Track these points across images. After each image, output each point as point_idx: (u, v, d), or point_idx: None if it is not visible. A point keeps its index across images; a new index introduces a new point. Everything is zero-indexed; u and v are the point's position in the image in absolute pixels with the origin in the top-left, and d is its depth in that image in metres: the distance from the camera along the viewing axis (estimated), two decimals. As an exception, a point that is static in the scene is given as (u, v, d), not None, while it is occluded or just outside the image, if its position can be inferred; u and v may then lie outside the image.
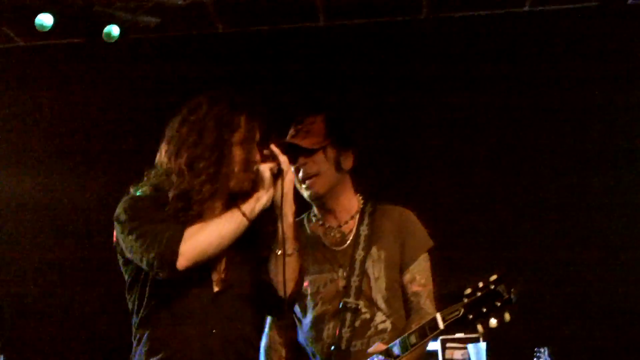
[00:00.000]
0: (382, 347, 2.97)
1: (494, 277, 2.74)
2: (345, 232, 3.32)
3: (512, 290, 2.69)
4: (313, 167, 3.25)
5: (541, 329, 4.93)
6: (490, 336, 4.90)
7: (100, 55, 5.09)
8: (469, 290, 2.77)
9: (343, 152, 3.31)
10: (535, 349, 4.65)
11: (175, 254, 2.68)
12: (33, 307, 5.44)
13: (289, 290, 2.83)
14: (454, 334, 4.85)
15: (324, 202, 3.32)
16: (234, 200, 2.87)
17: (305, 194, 3.28)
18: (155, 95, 5.10)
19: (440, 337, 4.89)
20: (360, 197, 3.41)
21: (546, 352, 4.66)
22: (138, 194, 2.88)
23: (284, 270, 2.80)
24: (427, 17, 5.35)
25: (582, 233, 5.12)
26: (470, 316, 2.73)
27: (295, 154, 3.21)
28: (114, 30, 4.63)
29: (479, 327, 2.71)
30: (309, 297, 3.26)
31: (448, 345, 4.91)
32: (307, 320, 3.27)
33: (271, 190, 2.82)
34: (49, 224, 5.52)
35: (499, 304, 2.68)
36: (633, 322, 4.98)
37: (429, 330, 2.84)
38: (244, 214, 2.78)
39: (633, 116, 5.18)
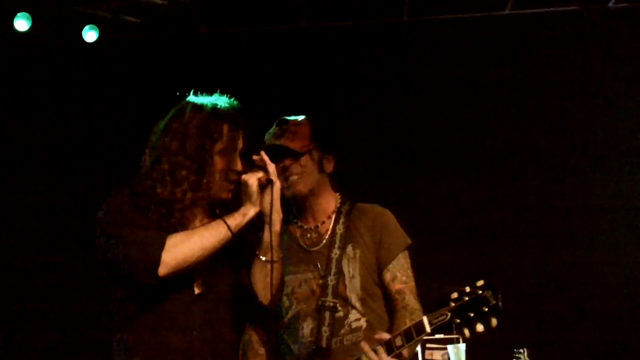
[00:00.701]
0: (387, 336, 2.91)
1: (480, 283, 2.74)
2: (321, 232, 3.34)
3: (499, 296, 2.69)
4: (298, 168, 3.27)
5: (520, 331, 4.95)
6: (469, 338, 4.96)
7: (85, 55, 5.05)
8: (455, 295, 2.76)
9: (326, 155, 3.35)
10: (515, 350, 4.70)
11: (156, 262, 2.67)
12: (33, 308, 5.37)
13: (269, 296, 2.86)
14: (434, 335, 4.89)
15: (303, 202, 3.34)
16: (214, 208, 2.89)
17: (288, 192, 3.28)
18: (139, 96, 5.05)
19: (420, 338, 4.94)
20: (339, 197, 3.42)
21: (525, 353, 4.71)
22: (123, 195, 2.86)
23: (272, 277, 2.82)
24: (409, 19, 5.36)
25: (562, 234, 5.17)
26: (458, 320, 2.73)
27: (281, 155, 3.23)
28: (91, 32, 4.58)
29: (466, 332, 2.70)
30: (285, 298, 3.27)
31: (428, 345, 4.95)
32: (284, 320, 3.29)
33: (258, 203, 2.82)
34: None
35: (486, 309, 2.68)
36: (612, 323, 5.04)
37: (416, 333, 2.84)
38: (229, 228, 2.77)
39: (613, 117, 5.21)
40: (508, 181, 5.26)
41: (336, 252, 3.25)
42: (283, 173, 3.25)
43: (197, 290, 2.84)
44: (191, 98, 2.97)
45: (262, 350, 3.32)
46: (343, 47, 5.41)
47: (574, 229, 5.20)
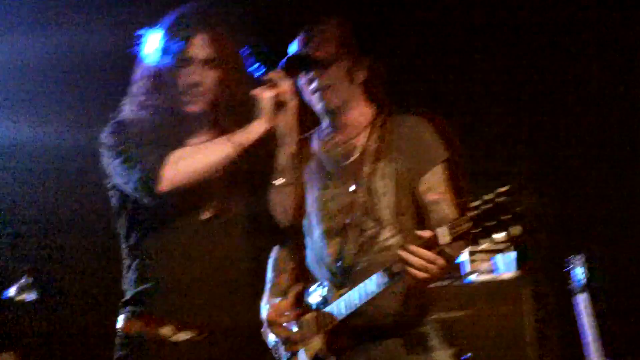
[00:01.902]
0: (429, 233, 2.72)
1: (503, 190, 2.55)
2: (353, 146, 3.15)
3: (521, 202, 2.50)
4: (326, 80, 3.06)
5: (572, 238, 4.74)
6: (520, 245, 4.79)
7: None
8: (476, 202, 2.59)
9: (357, 62, 3.12)
10: (571, 256, 4.53)
11: (156, 178, 2.61)
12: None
13: (290, 219, 2.80)
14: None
15: (334, 115, 3.15)
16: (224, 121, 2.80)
17: (318, 105, 3.11)
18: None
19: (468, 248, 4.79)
20: (375, 108, 3.21)
21: (582, 259, 4.52)
22: (121, 119, 2.82)
23: (290, 198, 2.79)
24: None
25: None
26: (478, 229, 2.56)
27: (306, 64, 3.05)
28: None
29: (485, 242, 2.55)
30: (313, 214, 3.14)
31: (474, 257, 4.79)
32: (313, 238, 3.16)
33: (271, 120, 2.71)
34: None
35: (508, 216, 2.51)
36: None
37: (432, 245, 2.67)
38: (233, 144, 2.67)
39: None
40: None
41: (367, 167, 3.08)
42: (308, 85, 3.08)
43: (204, 215, 2.76)
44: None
45: (290, 266, 3.22)
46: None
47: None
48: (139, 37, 2.87)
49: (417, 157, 3.07)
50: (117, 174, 2.72)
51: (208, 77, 2.77)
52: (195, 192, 2.73)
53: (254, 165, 2.86)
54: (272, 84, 2.75)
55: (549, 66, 5.02)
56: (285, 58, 3.00)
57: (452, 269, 2.86)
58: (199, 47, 2.76)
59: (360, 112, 3.16)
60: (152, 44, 2.79)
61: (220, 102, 2.83)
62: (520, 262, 4.72)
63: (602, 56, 4.95)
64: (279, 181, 2.76)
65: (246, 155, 2.75)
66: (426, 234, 2.69)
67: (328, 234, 3.10)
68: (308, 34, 3.11)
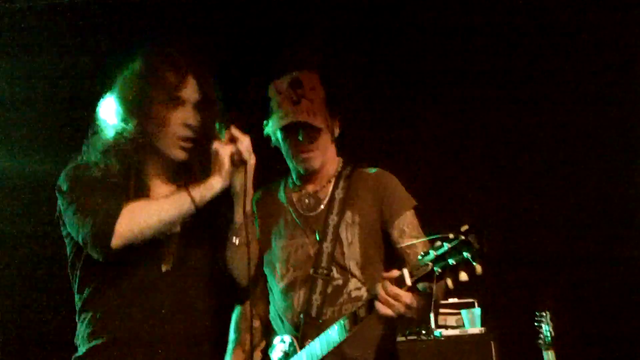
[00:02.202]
0: (396, 272, 2.69)
1: (464, 228, 2.55)
2: (320, 197, 3.16)
3: (483, 240, 2.48)
4: (316, 144, 3.08)
5: (537, 293, 4.72)
6: (485, 302, 4.78)
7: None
8: (438, 243, 2.59)
9: (335, 120, 3.16)
10: (537, 313, 4.52)
11: (109, 232, 2.51)
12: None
13: (247, 276, 2.75)
14: (447, 299, 4.72)
15: (313, 172, 3.17)
16: (178, 176, 2.72)
17: (300, 166, 3.13)
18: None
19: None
20: (341, 161, 3.25)
21: (548, 316, 4.52)
22: (81, 162, 2.72)
23: (249, 258, 2.69)
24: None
25: (577, 188, 4.91)
26: (439, 270, 2.55)
27: (297, 128, 3.04)
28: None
29: (449, 282, 2.52)
30: (279, 265, 3.11)
31: (441, 311, 4.80)
32: (278, 288, 3.11)
33: (228, 178, 2.66)
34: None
35: (469, 255, 2.49)
36: (633, 282, 4.78)
37: (397, 286, 2.64)
38: (192, 200, 2.61)
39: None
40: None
41: (334, 217, 3.07)
42: (296, 147, 3.07)
43: (165, 267, 2.68)
44: (140, 43, 2.81)
45: (256, 323, 3.16)
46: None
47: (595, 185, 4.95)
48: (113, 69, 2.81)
49: (386, 205, 3.07)
50: (69, 223, 2.63)
51: (197, 121, 2.72)
52: (153, 244, 2.65)
53: (212, 219, 2.81)
54: (232, 140, 2.71)
55: (504, 115, 5.05)
56: (286, 124, 3.00)
57: (423, 314, 2.78)
58: (192, 89, 2.73)
59: (330, 165, 3.19)
60: (132, 80, 2.72)
61: (199, 148, 2.76)
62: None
63: (558, 109, 5.00)
64: (234, 239, 2.72)
65: (205, 210, 2.69)
66: (394, 273, 2.67)
67: (294, 284, 3.07)
68: (297, 92, 3.07)
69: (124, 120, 2.66)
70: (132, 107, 2.65)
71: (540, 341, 4.52)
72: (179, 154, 2.71)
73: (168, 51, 2.72)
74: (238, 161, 2.67)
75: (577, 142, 5.00)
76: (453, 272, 2.52)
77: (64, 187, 2.64)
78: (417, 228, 3.05)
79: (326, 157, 3.14)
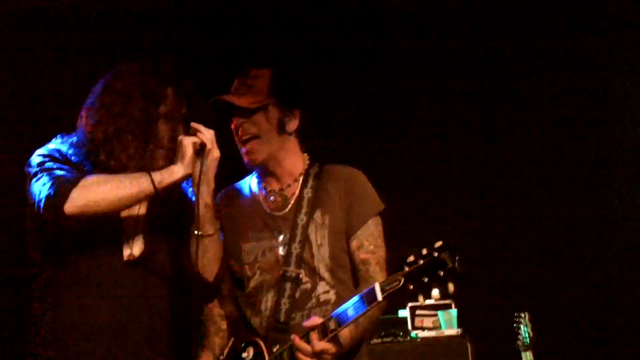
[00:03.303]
0: (319, 320, 2.70)
1: (438, 244, 2.47)
2: (287, 196, 3.05)
3: (457, 258, 2.41)
4: (251, 129, 2.97)
5: (512, 295, 4.70)
6: (462, 303, 4.74)
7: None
8: (411, 258, 2.51)
9: (288, 112, 3.03)
10: (515, 314, 4.51)
11: (64, 197, 2.51)
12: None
13: (212, 272, 2.73)
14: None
15: (264, 167, 3.06)
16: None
17: (245, 159, 3.02)
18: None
19: (409, 305, 4.73)
20: (307, 158, 3.13)
21: (527, 317, 4.51)
22: (52, 145, 2.75)
23: (204, 250, 2.69)
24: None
25: (544, 197, 4.89)
26: (411, 286, 2.47)
27: (233, 112, 2.96)
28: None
29: (420, 299, 2.45)
30: (246, 267, 3.01)
31: (418, 312, 4.76)
32: (246, 291, 3.03)
33: (190, 167, 2.66)
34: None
35: (442, 273, 2.42)
36: (614, 286, 4.77)
37: (367, 302, 2.58)
38: (152, 182, 2.59)
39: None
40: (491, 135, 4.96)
41: (302, 217, 2.97)
42: (237, 135, 2.99)
43: (126, 256, 2.66)
44: (134, 57, 2.82)
45: (224, 325, 3.08)
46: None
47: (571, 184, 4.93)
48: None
49: (351, 209, 2.99)
50: (30, 193, 2.61)
51: (178, 132, 2.75)
52: (116, 232, 2.65)
53: (180, 213, 2.79)
54: (194, 131, 2.71)
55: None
56: (211, 101, 2.94)
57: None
58: (176, 102, 2.76)
59: (293, 162, 3.08)
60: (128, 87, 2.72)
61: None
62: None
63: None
64: (195, 232, 2.68)
65: (170, 203, 2.69)
66: (316, 321, 2.68)
67: (262, 287, 2.98)
68: (241, 79, 3.03)
69: (117, 133, 2.68)
70: (132, 123, 2.68)
71: (518, 342, 4.51)
72: (161, 163, 2.72)
73: (168, 68, 2.78)
74: (201, 151, 2.68)
75: (552, 147, 4.98)
76: (425, 289, 2.44)
77: (32, 163, 2.66)
78: (377, 239, 2.99)
79: (273, 149, 3.00)
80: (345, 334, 2.70)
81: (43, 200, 2.53)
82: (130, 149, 2.66)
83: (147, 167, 2.65)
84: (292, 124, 3.04)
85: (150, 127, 2.69)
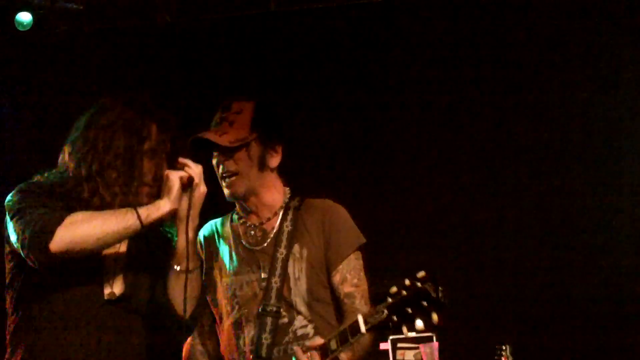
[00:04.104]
0: (301, 354, 2.68)
1: (421, 275, 2.46)
2: (266, 230, 3.04)
3: (440, 289, 2.41)
4: (232, 166, 2.97)
5: (494, 328, 4.70)
6: (443, 336, 4.74)
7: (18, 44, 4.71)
8: (394, 290, 2.49)
9: (269, 149, 3.03)
10: (497, 347, 4.49)
11: (50, 234, 2.46)
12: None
13: (191, 308, 2.67)
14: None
15: (244, 201, 3.05)
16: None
17: (225, 192, 3.02)
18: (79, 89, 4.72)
19: (390, 337, 4.71)
20: (288, 191, 3.13)
21: (508, 350, 4.49)
22: (34, 180, 2.71)
23: (186, 287, 2.63)
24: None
25: (530, 229, 4.90)
26: (395, 318, 2.46)
27: (213, 146, 2.96)
28: (24, 17, 4.23)
29: (404, 330, 2.44)
30: (225, 302, 3.00)
31: (400, 345, 4.74)
32: (225, 326, 3.00)
33: (176, 201, 2.63)
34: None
35: (425, 304, 2.41)
36: (594, 319, 4.78)
37: (351, 334, 2.57)
38: (138, 217, 2.55)
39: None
40: (470, 173, 4.99)
41: (282, 251, 2.96)
42: (218, 173, 2.99)
43: (107, 295, 2.61)
44: (117, 93, 2.79)
45: None
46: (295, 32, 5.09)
47: (552, 223, 4.95)
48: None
49: (332, 243, 2.98)
50: (12, 231, 2.55)
51: (162, 169, 2.71)
52: (98, 268, 2.61)
53: (161, 248, 2.76)
54: (181, 166, 2.69)
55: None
56: (190, 139, 2.92)
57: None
58: (160, 138, 2.72)
59: (273, 196, 3.07)
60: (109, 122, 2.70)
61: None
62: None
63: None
64: (175, 266, 2.65)
65: (154, 238, 2.67)
66: (318, 341, 2.65)
67: (241, 322, 2.96)
68: (223, 114, 3.02)
69: (102, 169, 2.65)
70: (118, 159, 2.65)
71: (501, 374, 4.49)
72: (146, 200, 2.68)
73: (151, 103, 2.75)
74: (188, 186, 2.65)
75: (530, 183, 5.00)
76: (409, 320, 2.43)
77: (12, 200, 2.61)
78: (360, 272, 2.99)
79: (253, 184, 2.99)
80: (342, 357, 2.70)
81: (28, 239, 2.48)
82: (115, 187, 2.63)
83: (132, 204, 2.61)
84: (274, 160, 3.04)
85: (134, 164, 2.65)
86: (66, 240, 2.47)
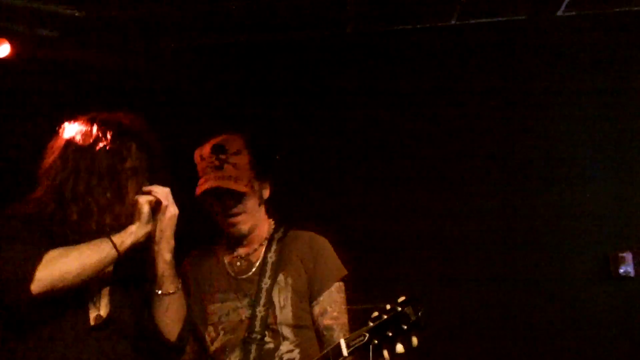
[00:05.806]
0: None
1: (401, 299, 2.57)
2: (252, 260, 3.13)
3: (419, 312, 2.47)
4: (241, 207, 3.06)
5: (474, 351, 4.67)
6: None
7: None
8: (375, 314, 2.60)
9: (264, 182, 3.15)
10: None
11: (29, 278, 2.43)
12: None
13: (174, 331, 2.67)
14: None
15: (247, 235, 3.13)
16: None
17: (229, 231, 3.10)
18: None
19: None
20: (273, 223, 3.22)
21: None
22: (8, 210, 2.65)
23: (170, 310, 2.65)
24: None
25: (505, 254, 4.91)
26: (376, 341, 2.53)
27: (221, 193, 3.01)
28: (2, 46, 4.22)
29: (385, 353, 2.50)
30: (211, 327, 3.06)
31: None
32: (210, 352, 3.06)
33: (148, 225, 2.63)
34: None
35: (405, 327, 2.50)
36: (562, 339, 4.77)
37: (333, 358, 2.61)
38: (114, 246, 2.55)
39: (561, 129, 5.00)
40: (452, 198, 5.00)
41: (267, 281, 3.03)
42: (223, 212, 3.05)
43: (93, 321, 2.60)
44: (94, 114, 2.76)
45: None
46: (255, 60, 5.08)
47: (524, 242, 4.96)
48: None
49: (315, 274, 3.06)
50: None
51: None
52: (82, 291, 2.59)
53: (141, 272, 2.75)
54: (147, 192, 2.68)
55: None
56: (203, 191, 2.98)
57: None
58: (141, 158, 2.72)
59: (261, 228, 3.16)
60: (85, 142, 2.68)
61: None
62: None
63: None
64: (156, 290, 2.66)
65: (133, 261, 2.65)
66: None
67: (224, 348, 3.01)
68: (220, 157, 3.06)
69: (88, 192, 2.63)
70: (103, 179, 2.64)
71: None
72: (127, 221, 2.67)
73: (129, 122, 2.74)
74: (157, 209, 2.65)
75: (512, 206, 5.02)
76: (390, 343, 2.50)
77: None
78: (340, 305, 3.06)
79: (255, 219, 3.10)
80: None
81: (7, 282, 2.44)
82: (103, 205, 2.62)
83: (122, 222, 2.61)
84: (266, 193, 3.15)
85: (120, 184, 2.65)
86: (46, 282, 2.44)
